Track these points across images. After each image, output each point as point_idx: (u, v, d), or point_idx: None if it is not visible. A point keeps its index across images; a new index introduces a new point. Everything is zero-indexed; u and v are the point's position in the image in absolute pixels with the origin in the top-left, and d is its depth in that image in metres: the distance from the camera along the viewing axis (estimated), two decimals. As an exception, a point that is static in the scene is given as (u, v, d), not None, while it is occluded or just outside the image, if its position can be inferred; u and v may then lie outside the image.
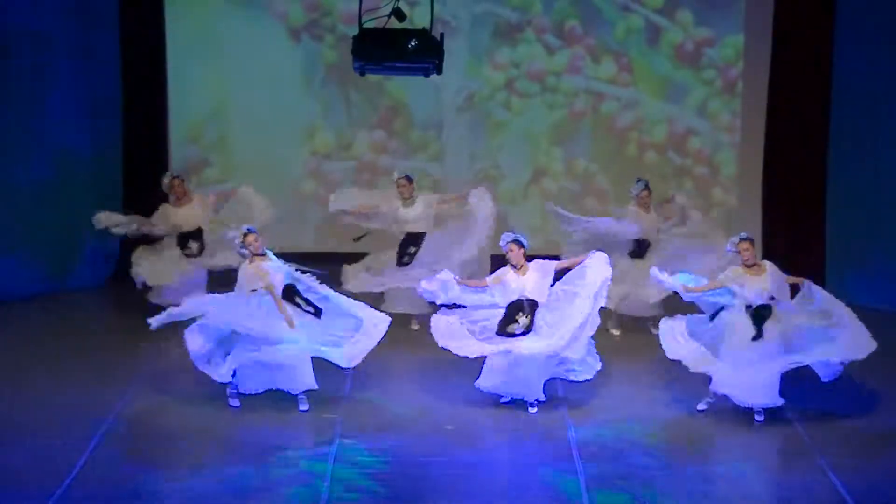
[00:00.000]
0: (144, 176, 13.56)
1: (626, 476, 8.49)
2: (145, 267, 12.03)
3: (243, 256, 9.73)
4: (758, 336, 9.55)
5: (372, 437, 9.15)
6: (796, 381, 10.16)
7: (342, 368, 9.79)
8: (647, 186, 11.88)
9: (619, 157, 14.48)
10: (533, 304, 9.74)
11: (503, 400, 9.84)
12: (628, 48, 14.39)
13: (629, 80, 14.46)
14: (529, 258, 9.98)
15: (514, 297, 9.76)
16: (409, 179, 11.92)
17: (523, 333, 9.67)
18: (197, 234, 12.08)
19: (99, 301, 12.61)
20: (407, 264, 11.85)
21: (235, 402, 9.72)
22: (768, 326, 9.59)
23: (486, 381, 9.80)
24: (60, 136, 13.10)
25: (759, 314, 9.62)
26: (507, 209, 14.62)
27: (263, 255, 9.70)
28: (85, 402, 9.68)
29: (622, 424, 9.50)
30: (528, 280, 9.79)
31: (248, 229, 9.75)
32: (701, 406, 9.72)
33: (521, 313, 9.73)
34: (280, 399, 9.75)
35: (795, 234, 13.73)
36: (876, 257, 12.86)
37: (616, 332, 12.05)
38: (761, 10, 14.03)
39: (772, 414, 9.62)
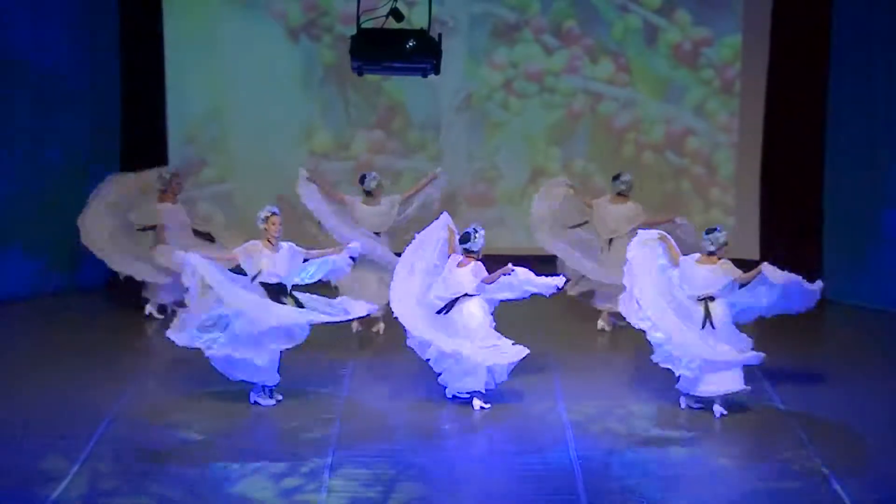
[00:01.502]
0: (143, 176, 13.59)
1: (623, 476, 8.49)
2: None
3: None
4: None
5: (369, 436, 9.15)
6: (794, 382, 10.19)
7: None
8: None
9: (617, 157, 14.48)
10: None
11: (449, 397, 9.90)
12: (626, 48, 14.41)
13: (627, 80, 14.48)
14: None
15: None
16: (377, 181, 11.90)
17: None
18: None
19: (98, 301, 12.61)
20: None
21: (269, 401, 9.75)
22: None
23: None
24: (59, 136, 13.10)
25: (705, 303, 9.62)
26: (505, 209, 14.65)
27: (273, 241, 9.70)
28: (84, 402, 9.68)
29: (619, 423, 9.51)
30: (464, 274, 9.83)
31: (273, 211, 9.77)
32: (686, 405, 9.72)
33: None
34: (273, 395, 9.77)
35: (793, 234, 13.75)
36: (873, 257, 12.88)
37: (608, 328, 12.14)
38: (759, 10, 14.05)
39: (769, 412, 9.65)
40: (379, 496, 8.06)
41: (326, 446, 8.87)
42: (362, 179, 11.88)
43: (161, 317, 12.28)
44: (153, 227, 12.43)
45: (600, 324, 12.22)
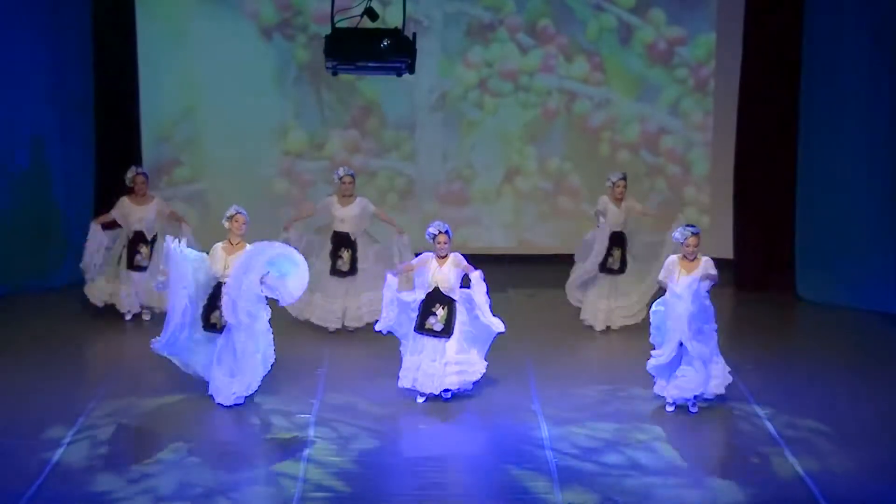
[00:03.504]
0: (116, 176, 13.49)
1: (598, 474, 8.51)
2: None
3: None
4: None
5: (345, 437, 9.14)
6: (767, 380, 10.23)
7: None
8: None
9: (592, 156, 14.50)
10: (449, 298, 9.83)
11: (419, 400, 9.90)
12: (601, 47, 14.43)
13: (602, 79, 14.50)
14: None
15: (431, 287, 9.85)
16: (353, 176, 11.86)
17: (443, 332, 9.76)
18: (149, 238, 12.06)
19: (68, 302, 12.53)
20: (345, 273, 11.76)
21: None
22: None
23: (404, 381, 9.91)
24: (32, 135, 13.02)
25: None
26: (481, 208, 14.65)
27: (238, 243, 9.71)
28: (57, 402, 9.65)
29: (595, 423, 9.52)
30: (446, 272, 9.86)
31: (238, 211, 9.79)
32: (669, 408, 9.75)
33: (437, 304, 9.80)
34: (252, 398, 9.74)
35: (766, 233, 13.79)
36: (845, 255, 12.90)
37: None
38: (733, 9, 14.08)
39: (743, 411, 9.68)
40: (353, 494, 8.12)
41: (301, 446, 8.87)
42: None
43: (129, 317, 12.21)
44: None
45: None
